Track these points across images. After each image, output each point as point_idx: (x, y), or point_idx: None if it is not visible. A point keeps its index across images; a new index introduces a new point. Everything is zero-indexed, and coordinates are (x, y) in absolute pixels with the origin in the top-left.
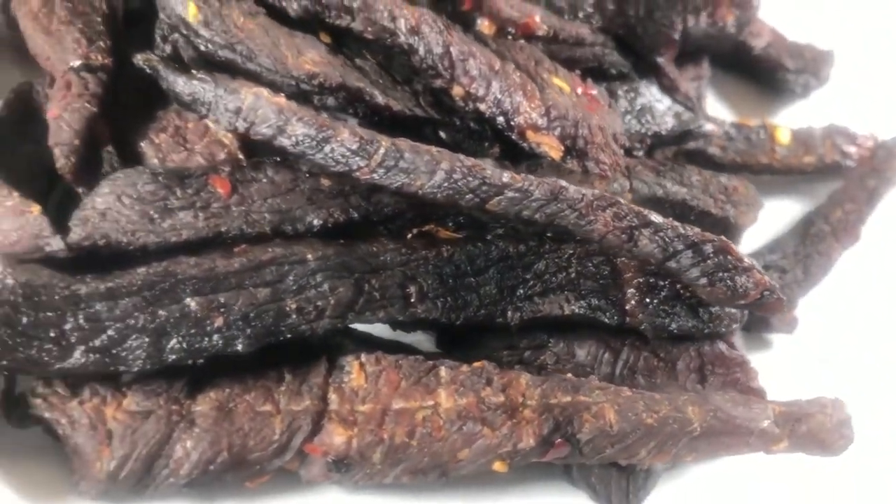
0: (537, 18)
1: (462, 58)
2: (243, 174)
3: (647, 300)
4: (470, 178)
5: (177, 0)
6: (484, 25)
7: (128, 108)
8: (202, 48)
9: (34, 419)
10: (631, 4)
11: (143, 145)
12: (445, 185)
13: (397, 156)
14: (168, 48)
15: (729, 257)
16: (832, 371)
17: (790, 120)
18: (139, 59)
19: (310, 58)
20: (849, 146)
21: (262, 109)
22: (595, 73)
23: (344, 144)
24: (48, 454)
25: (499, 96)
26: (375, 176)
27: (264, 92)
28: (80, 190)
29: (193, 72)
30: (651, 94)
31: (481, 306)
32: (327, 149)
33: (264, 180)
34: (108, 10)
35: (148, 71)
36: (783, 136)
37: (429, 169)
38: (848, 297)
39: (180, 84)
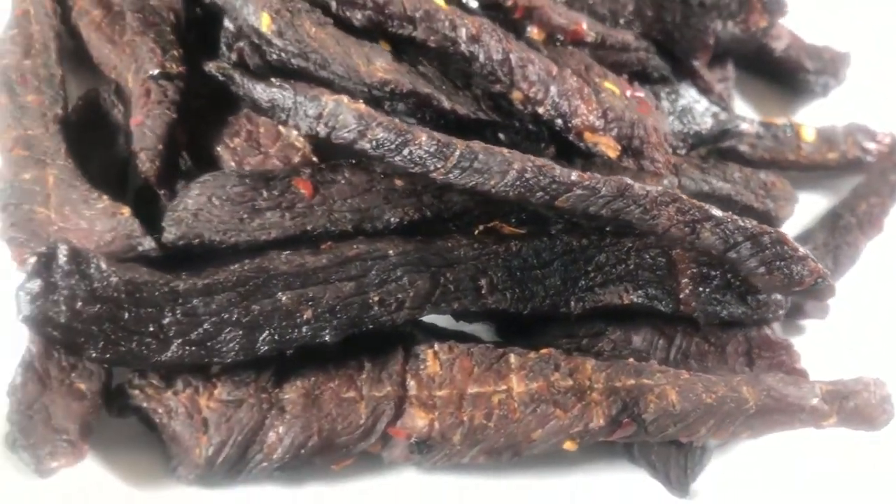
0: (584, 26)
1: (521, 64)
2: (323, 176)
3: (700, 289)
4: (541, 177)
5: (250, 11)
6: (534, 33)
7: (197, 113)
8: (274, 57)
9: (132, 409)
10: (668, 11)
11: (220, 150)
12: (518, 183)
13: (472, 157)
14: (234, 56)
15: (785, 247)
16: (862, 353)
17: (809, 118)
18: (211, 66)
19: (380, 65)
20: (868, 143)
21: (343, 115)
22: (638, 76)
23: (422, 147)
24: (142, 443)
25: (557, 100)
26: (451, 176)
27: (344, 98)
28: (161, 192)
29: (273, 80)
30: (690, 96)
31: (546, 297)
32: (406, 151)
33: (342, 181)
34: (175, 20)
35: (220, 78)
36: (808, 134)
37: (501, 169)
38: (874, 286)
39: (259, 91)
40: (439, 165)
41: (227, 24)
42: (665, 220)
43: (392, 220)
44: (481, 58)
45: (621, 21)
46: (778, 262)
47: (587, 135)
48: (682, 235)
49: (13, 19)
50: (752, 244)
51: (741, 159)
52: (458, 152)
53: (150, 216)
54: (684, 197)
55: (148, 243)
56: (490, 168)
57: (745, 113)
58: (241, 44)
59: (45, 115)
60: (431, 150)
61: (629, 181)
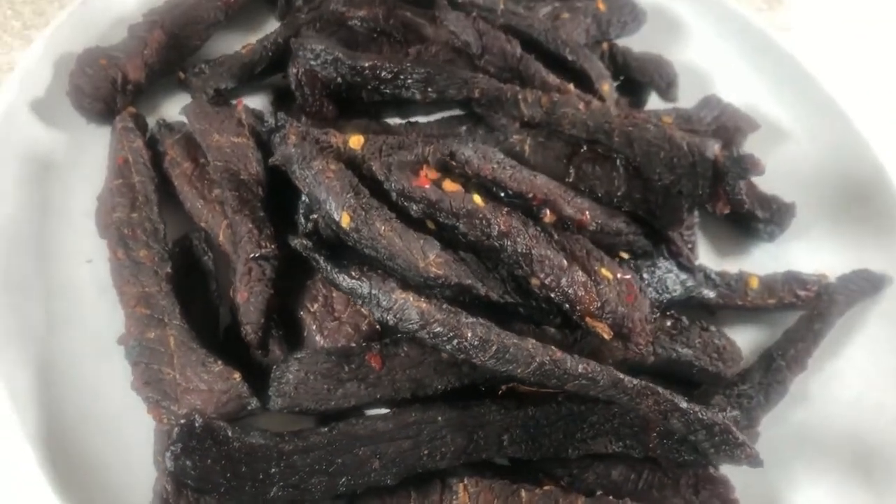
0: (588, 216)
1: (540, 259)
2: (388, 350)
3: (664, 441)
4: (555, 369)
5: (332, 208)
6: (547, 216)
7: (281, 276)
8: (349, 244)
9: None
10: (652, 194)
11: (302, 314)
12: (538, 372)
13: (504, 350)
14: (309, 225)
15: (729, 436)
16: (786, 469)
17: (757, 257)
18: (296, 244)
19: (433, 260)
20: (801, 290)
21: (408, 311)
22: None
23: (467, 341)
24: None
25: (566, 290)
26: (488, 363)
27: (410, 297)
28: (258, 352)
29: (352, 272)
30: (664, 267)
31: (551, 446)
32: (455, 342)
33: (403, 354)
34: (262, 193)
35: (303, 254)
36: (753, 283)
37: (526, 361)
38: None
39: (340, 279)
40: (480, 355)
41: (304, 197)
42: (645, 406)
43: (439, 387)
44: (509, 250)
45: (615, 200)
46: (724, 446)
47: (588, 319)
48: (655, 418)
49: (116, 168)
50: (707, 432)
51: (700, 304)
52: (494, 347)
53: (238, 354)
54: (661, 391)
55: (255, 403)
56: (517, 359)
57: (706, 250)
58: (316, 216)
59: (157, 273)
60: (475, 343)
61: (620, 376)
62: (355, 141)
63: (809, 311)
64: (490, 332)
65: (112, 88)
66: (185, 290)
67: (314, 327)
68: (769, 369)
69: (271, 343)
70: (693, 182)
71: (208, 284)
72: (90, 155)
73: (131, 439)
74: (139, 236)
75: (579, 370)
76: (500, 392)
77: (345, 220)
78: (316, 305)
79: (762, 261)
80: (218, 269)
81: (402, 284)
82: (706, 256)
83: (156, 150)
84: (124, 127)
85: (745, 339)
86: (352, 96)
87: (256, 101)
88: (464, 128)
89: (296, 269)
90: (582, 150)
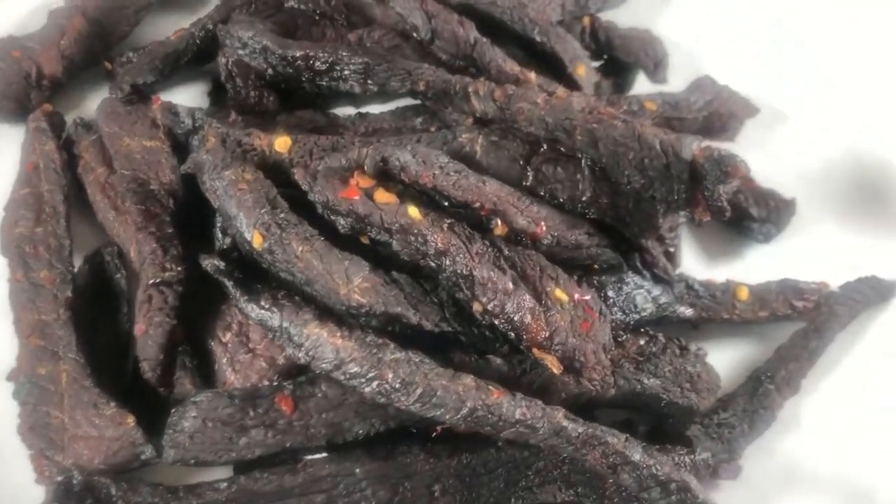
0: (544, 228)
1: (482, 281)
2: (303, 390)
3: (623, 490)
4: (489, 415)
5: (242, 225)
6: (497, 227)
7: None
8: (264, 266)
9: None
10: (622, 198)
11: (213, 344)
12: (469, 418)
13: (431, 394)
14: (227, 241)
15: (689, 494)
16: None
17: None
18: (207, 264)
19: (357, 285)
20: (797, 300)
21: (322, 347)
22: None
23: (388, 383)
24: None
25: (511, 316)
26: (413, 408)
27: (324, 333)
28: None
29: (262, 302)
30: (633, 283)
31: (491, 497)
32: (375, 384)
33: (319, 395)
34: (173, 205)
35: (214, 275)
36: (742, 294)
37: (456, 406)
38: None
39: (249, 309)
40: (403, 399)
41: (221, 213)
42: (591, 459)
43: (360, 432)
44: (448, 271)
45: (579, 206)
46: None
47: (535, 350)
48: (604, 472)
49: (24, 176)
50: (662, 490)
51: (680, 317)
52: (419, 390)
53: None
54: (610, 441)
55: (150, 452)
56: (446, 404)
57: (691, 254)
58: (234, 231)
59: (56, 298)
60: (396, 386)
61: (564, 423)
62: (281, 143)
63: (805, 326)
64: (416, 372)
65: (25, 84)
66: (93, 313)
67: (224, 360)
68: (755, 394)
69: (182, 376)
70: (667, 186)
71: (119, 306)
72: (2, 160)
73: (24, 485)
74: (42, 254)
75: (516, 416)
76: (433, 434)
77: (256, 240)
78: (229, 335)
79: (756, 265)
80: (131, 289)
81: (321, 315)
82: (691, 261)
83: (72, 152)
84: (37, 127)
85: (732, 356)
86: (292, 87)
87: (191, 94)
88: (419, 119)
89: (212, 289)
90: (542, 150)
